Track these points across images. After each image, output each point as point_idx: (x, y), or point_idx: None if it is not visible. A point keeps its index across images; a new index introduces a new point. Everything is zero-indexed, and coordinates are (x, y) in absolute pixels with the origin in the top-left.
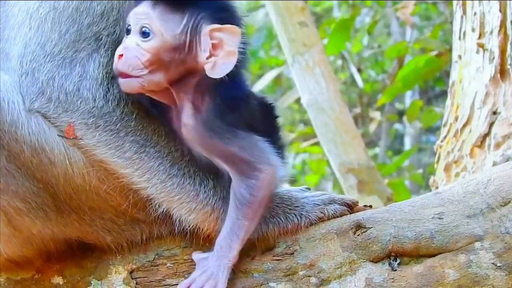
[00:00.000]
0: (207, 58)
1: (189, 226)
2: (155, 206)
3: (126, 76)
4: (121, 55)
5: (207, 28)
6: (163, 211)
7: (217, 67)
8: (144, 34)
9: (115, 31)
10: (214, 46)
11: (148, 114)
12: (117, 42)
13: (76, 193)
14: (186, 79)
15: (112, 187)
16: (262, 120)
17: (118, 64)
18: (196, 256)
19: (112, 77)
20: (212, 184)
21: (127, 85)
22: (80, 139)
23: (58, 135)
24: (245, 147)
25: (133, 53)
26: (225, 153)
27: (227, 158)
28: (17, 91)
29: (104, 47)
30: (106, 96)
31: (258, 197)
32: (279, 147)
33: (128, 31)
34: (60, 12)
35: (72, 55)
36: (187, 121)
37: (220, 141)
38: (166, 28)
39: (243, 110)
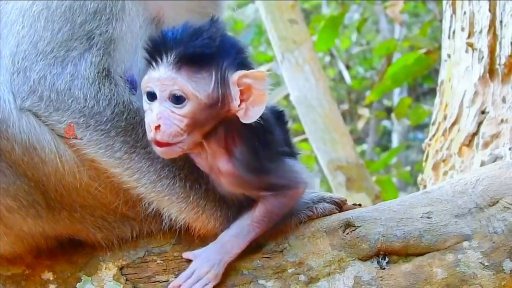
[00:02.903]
0: (239, 106)
1: (179, 225)
2: (145, 204)
3: (165, 144)
4: (158, 126)
5: (234, 77)
6: (153, 210)
7: (249, 112)
8: (177, 100)
9: (107, 30)
10: (242, 92)
11: (138, 115)
12: (109, 41)
13: (67, 191)
14: (216, 127)
15: (103, 185)
16: (280, 132)
17: (157, 136)
18: (189, 253)
19: (103, 77)
20: (204, 188)
21: (168, 153)
22: (80, 139)
23: (58, 135)
24: (281, 174)
25: (170, 121)
26: (262, 186)
27: (264, 189)
28: (8, 89)
29: (96, 46)
30: (97, 95)
31: (285, 210)
32: (295, 154)
33: (150, 96)
34: (53, 10)
35: (64, 54)
36: (225, 167)
37: (258, 177)
38: (199, 90)
39: (269, 137)
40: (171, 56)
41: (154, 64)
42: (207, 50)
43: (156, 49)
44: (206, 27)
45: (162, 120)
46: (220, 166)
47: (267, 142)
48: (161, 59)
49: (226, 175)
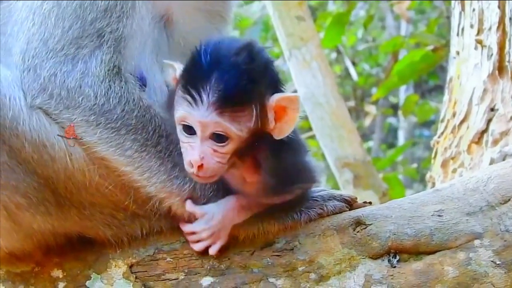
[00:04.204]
0: (273, 126)
1: None
2: (155, 203)
3: (207, 177)
4: (201, 166)
5: (272, 103)
6: (163, 208)
7: (283, 129)
8: (220, 139)
9: (117, 28)
10: (276, 113)
11: (148, 113)
12: (119, 39)
13: (77, 189)
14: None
15: (113, 184)
16: None
17: (200, 173)
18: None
19: (113, 75)
20: (214, 187)
21: (209, 181)
22: (80, 139)
23: (58, 135)
24: (301, 175)
25: (213, 159)
26: (284, 190)
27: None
28: (19, 87)
29: (107, 44)
30: (108, 93)
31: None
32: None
33: (188, 129)
34: (64, 8)
35: (74, 51)
36: (252, 178)
37: (283, 185)
38: (242, 128)
39: (295, 142)
40: (212, 97)
41: (192, 100)
42: (249, 89)
43: (194, 84)
44: (244, 58)
45: (205, 159)
46: (247, 177)
47: (293, 147)
48: (201, 98)
49: (253, 184)
